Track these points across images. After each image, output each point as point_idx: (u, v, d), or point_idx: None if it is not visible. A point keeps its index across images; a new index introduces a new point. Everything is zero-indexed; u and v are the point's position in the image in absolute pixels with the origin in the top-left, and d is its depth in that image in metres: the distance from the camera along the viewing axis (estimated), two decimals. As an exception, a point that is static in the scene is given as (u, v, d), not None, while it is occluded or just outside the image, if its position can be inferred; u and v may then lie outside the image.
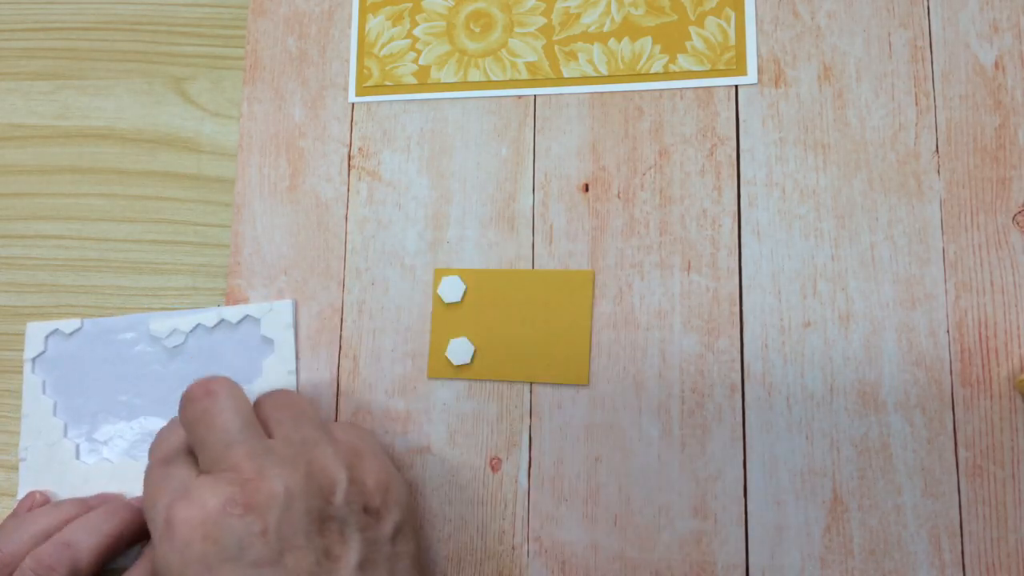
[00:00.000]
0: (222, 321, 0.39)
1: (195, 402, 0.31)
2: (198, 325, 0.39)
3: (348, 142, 0.41)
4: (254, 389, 0.38)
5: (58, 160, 0.43)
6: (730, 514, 0.35)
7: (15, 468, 0.40)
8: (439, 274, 0.38)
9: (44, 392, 0.40)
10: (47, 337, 0.40)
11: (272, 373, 0.38)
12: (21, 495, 0.38)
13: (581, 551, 0.36)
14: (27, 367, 0.40)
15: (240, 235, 0.40)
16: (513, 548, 0.36)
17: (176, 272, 0.41)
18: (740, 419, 0.36)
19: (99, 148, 0.43)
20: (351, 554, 0.29)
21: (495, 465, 0.37)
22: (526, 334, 0.37)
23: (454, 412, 0.38)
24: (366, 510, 0.30)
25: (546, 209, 0.39)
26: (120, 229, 0.42)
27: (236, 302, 0.40)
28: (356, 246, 0.40)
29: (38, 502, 0.37)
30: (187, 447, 0.32)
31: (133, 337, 0.39)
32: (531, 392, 0.37)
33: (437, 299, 0.38)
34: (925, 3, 0.38)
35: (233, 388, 0.32)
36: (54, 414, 0.39)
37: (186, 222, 0.41)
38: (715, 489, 0.35)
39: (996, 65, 0.37)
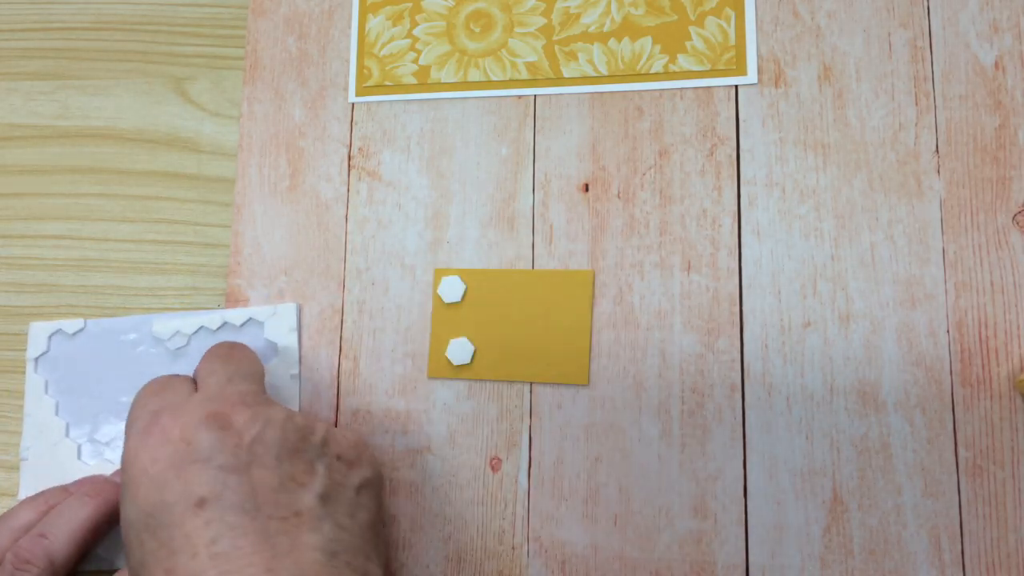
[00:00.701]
0: (225, 324, 0.39)
1: (222, 345, 0.35)
2: (201, 327, 0.39)
3: (348, 142, 0.41)
4: None
5: (58, 160, 0.43)
6: (730, 514, 0.35)
7: (15, 468, 0.40)
8: (439, 274, 0.38)
9: (46, 392, 0.40)
10: (50, 337, 0.40)
11: (275, 376, 0.38)
12: (22, 495, 0.38)
13: (581, 551, 0.36)
14: (30, 366, 0.40)
15: (240, 235, 0.40)
16: (513, 548, 0.36)
17: (176, 272, 0.41)
18: (740, 419, 0.36)
19: (99, 148, 0.43)
20: (315, 484, 0.30)
21: (495, 465, 0.37)
22: (526, 334, 0.37)
23: (454, 412, 0.38)
24: (339, 457, 0.32)
25: (546, 209, 0.39)
26: (120, 229, 0.42)
27: (236, 302, 0.40)
28: (356, 246, 0.40)
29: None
30: (191, 382, 0.34)
31: (136, 338, 0.39)
32: (531, 392, 0.37)
33: (437, 299, 0.38)
34: (925, 3, 0.38)
35: (256, 355, 0.35)
36: (56, 414, 0.39)
37: (186, 222, 0.41)
38: (715, 489, 0.35)
39: (996, 65, 0.37)
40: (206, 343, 0.39)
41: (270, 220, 0.40)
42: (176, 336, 0.39)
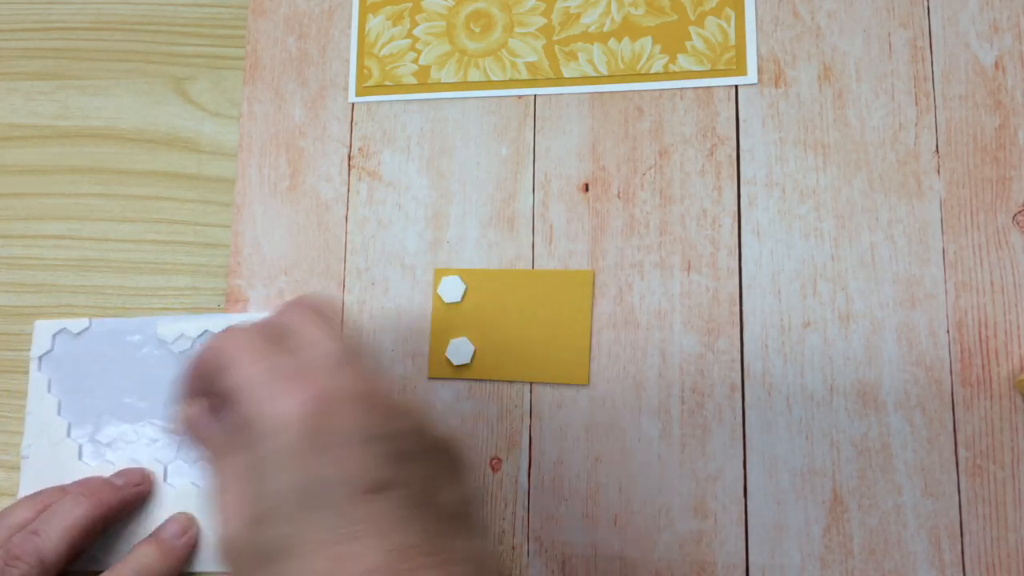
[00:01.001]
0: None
1: (299, 308, 0.30)
2: (206, 331, 0.39)
3: (348, 142, 0.41)
4: None
5: (58, 160, 0.43)
6: (730, 514, 0.35)
7: (16, 468, 0.40)
8: (439, 274, 0.38)
9: (49, 391, 0.39)
10: (54, 336, 0.40)
11: None
12: (22, 493, 0.38)
13: (581, 551, 0.36)
14: (33, 365, 0.40)
15: (240, 235, 0.40)
16: (513, 548, 0.36)
17: (176, 272, 0.41)
18: (740, 419, 0.36)
19: (99, 148, 0.43)
20: (458, 486, 0.27)
21: (495, 465, 0.37)
22: (526, 334, 0.37)
23: (454, 412, 0.38)
24: (454, 461, 0.28)
25: (546, 209, 0.39)
26: (120, 229, 0.42)
27: (236, 302, 0.40)
28: (356, 246, 0.40)
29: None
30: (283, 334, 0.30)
31: (140, 339, 0.39)
32: (531, 392, 0.37)
33: (437, 299, 0.38)
34: (925, 3, 0.38)
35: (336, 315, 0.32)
36: (58, 413, 0.39)
37: (186, 222, 0.41)
38: (715, 489, 0.35)
39: (996, 65, 0.37)
40: None
41: (270, 220, 0.40)
42: (181, 339, 0.39)
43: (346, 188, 0.40)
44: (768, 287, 0.37)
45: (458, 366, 0.38)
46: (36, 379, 0.40)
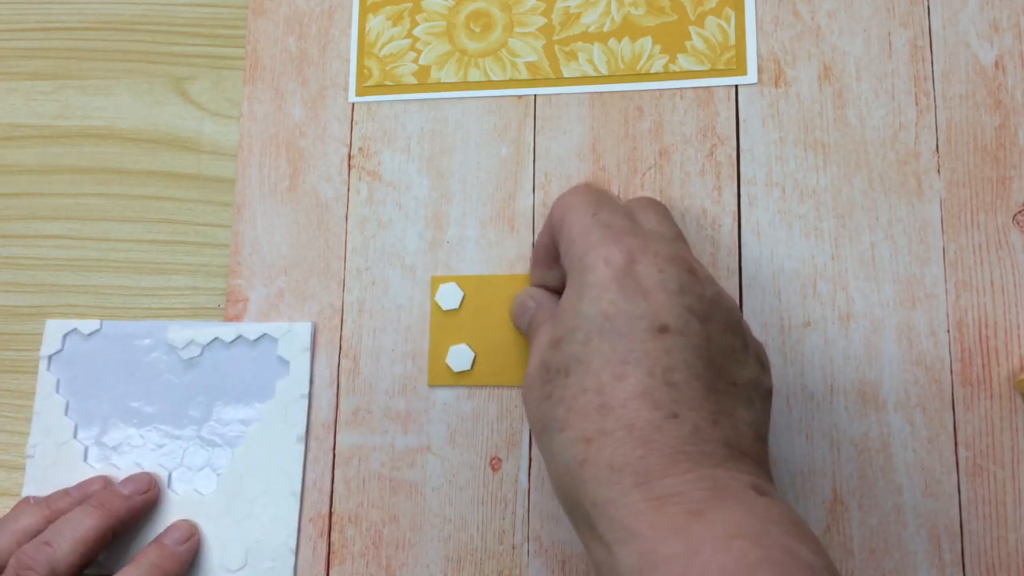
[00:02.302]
0: (240, 337, 0.39)
1: (647, 198, 0.35)
2: (215, 339, 0.39)
3: (348, 142, 0.41)
4: (265, 410, 0.38)
5: (58, 160, 0.43)
6: (730, 514, 0.35)
7: (16, 468, 0.40)
8: (436, 281, 0.38)
9: (57, 391, 0.39)
10: (65, 336, 0.40)
11: (285, 395, 0.38)
12: (26, 492, 0.38)
13: (581, 551, 0.36)
14: (42, 364, 0.40)
15: (240, 235, 0.40)
16: (513, 548, 0.36)
17: (176, 272, 0.41)
18: (740, 419, 0.36)
19: (99, 148, 0.43)
20: (747, 366, 0.29)
21: (495, 465, 0.37)
22: (524, 336, 0.37)
23: (454, 412, 0.38)
24: (757, 356, 0.31)
25: (546, 209, 0.39)
26: (120, 229, 0.42)
27: (236, 302, 0.40)
28: (356, 246, 0.40)
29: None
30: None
31: (150, 343, 0.39)
32: (531, 392, 0.37)
33: (435, 306, 0.38)
34: (925, 3, 0.38)
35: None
36: (65, 414, 0.39)
37: (186, 222, 0.41)
38: (715, 489, 0.35)
39: (996, 65, 0.37)
40: (219, 355, 0.39)
41: (270, 220, 0.40)
42: (190, 345, 0.39)
43: (346, 188, 0.40)
44: (768, 287, 0.37)
45: (458, 373, 0.37)
46: (45, 379, 0.40)
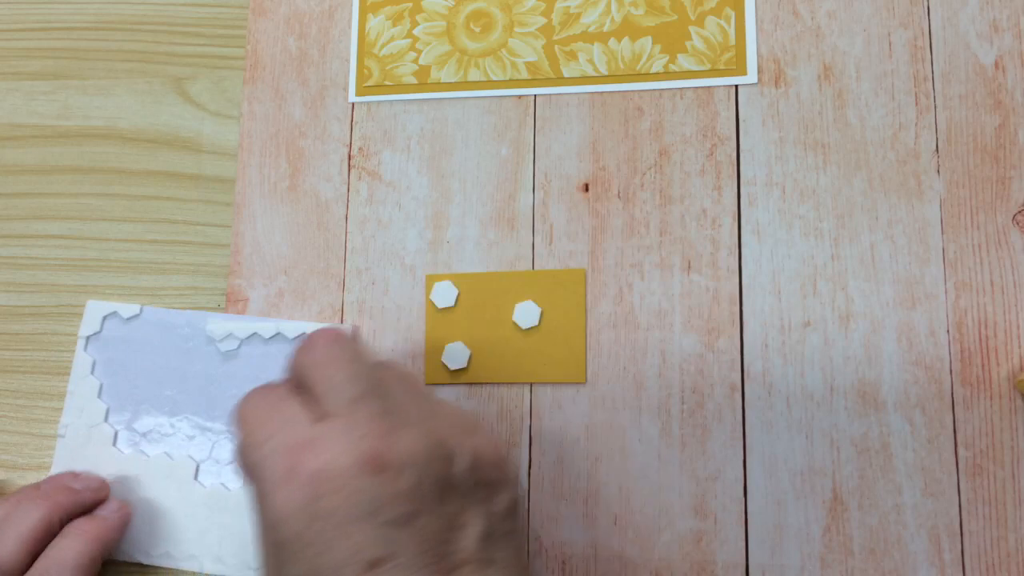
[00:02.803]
0: (278, 334, 0.39)
1: (324, 343, 0.30)
2: (254, 334, 0.39)
3: (348, 142, 0.41)
4: None
5: (58, 160, 0.43)
6: (730, 514, 0.35)
7: (16, 468, 0.40)
8: (430, 280, 0.38)
9: (92, 372, 0.39)
10: (104, 318, 0.40)
11: None
12: (55, 470, 0.38)
13: (581, 551, 0.36)
14: (80, 344, 0.40)
15: (240, 235, 0.40)
16: (513, 548, 0.36)
17: (176, 272, 0.41)
18: (740, 419, 0.36)
19: (99, 148, 0.43)
20: (476, 524, 0.27)
21: (495, 465, 0.37)
22: (521, 335, 0.37)
23: (454, 412, 0.38)
24: (485, 484, 0.28)
25: (546, 209, 0.39)
26: (120, 229, 0.42)
27: (236, 302, 0.40)
28: (356, 246, 0.40)
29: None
30: (294, 385, 0.30)
31: (188, 333, 0.39)
32: (531, 392, 0.37)
33: (430, 305, 0.38)
34: (925, 3, 0.38)
35: (361, 343, 0.31)
36: (99, 396, 0.39)
37: (186, 222, 0.41)
38: (715, 489, 0.35)
39: (996, 65, 0.37)
40: (257, 350, 0.39)
41: (270, 220, 0.40)
42: (229, 338, 0.39)
43: (346, 188, 0.40)
44: (768, 287, 0.37)
45: (454, 371, 0.38)
46: (81, 359, 0.39)
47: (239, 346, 0.39)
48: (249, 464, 0.28)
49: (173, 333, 0.39)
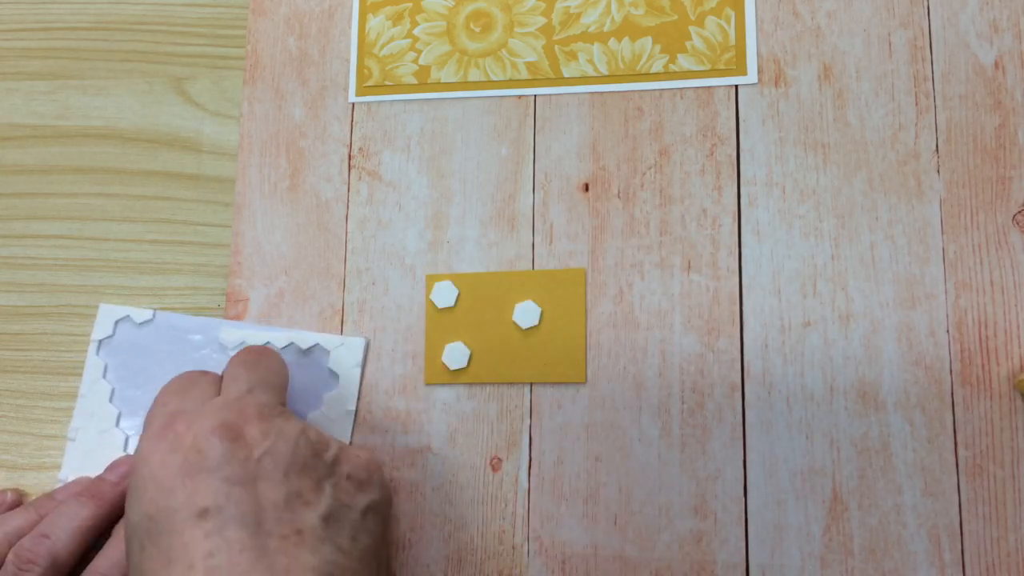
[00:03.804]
0: (291, 344, 0.38)
1: (255, 352, 0.35)
2: (267, 343, 0.39)
3: (348, 142, 0.41)
4: (309, 420, 0.38)
5: (58, 160, 0.43)
6: (730, 514, 0.35)
7: (16, 468, 0.40)
8: (431, 280, 0.38)
9: (104, 376, 0.39)
10: (117, 322, 0.40)
11: (331, 408, 0.38)
12: (63, 475, 0.38)
13: (581, 551, 0.36)
14: (92, 347, 0.40)
15: (240, 235, 0.40)
16: (513, 548, 0.36)
17: (176, 272, 0.41)
18: (740, 419, 0.36)
19: (99, 148, 0.43)
20: (321, 503, 0.30)
21: (495, 465, 0.37)
22: (521, 335, 0.37)
23: (454, 412, 0.38)
24: (348, 477, 0.31)
25: (546, 209, 0.39)
26: (120, 229, 0.42)
27: (236, 302, 0.40)
28: (356, 246, 0.40)
29: (9, 501, 0.38)
30: (217, 382, 0.34)
31: (201, 340, 0.39)
32: (531, 392, 0.37)
33: (430, 305, 0.38)
34: (925, 3, 0.38)
35: (284, 365, 0.35)
36: (110, 401, 0.39)
37: (186, 222, 0.41)
38: (715, 489, 0.35)
39: (996, 65, 0.37)
40: None
41: (270, 220, 0.40)
42: (241, 347, 0.39)
43: (346, 188, 0.40)
44: (768, 287, 0.37)
45: (455, 371, 0.38)
46: (93, 363, 0.39)
47: None
48: (147, 418, 0.33)
49: (185, 339, 0.39)
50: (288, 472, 0.29)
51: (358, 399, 0.38)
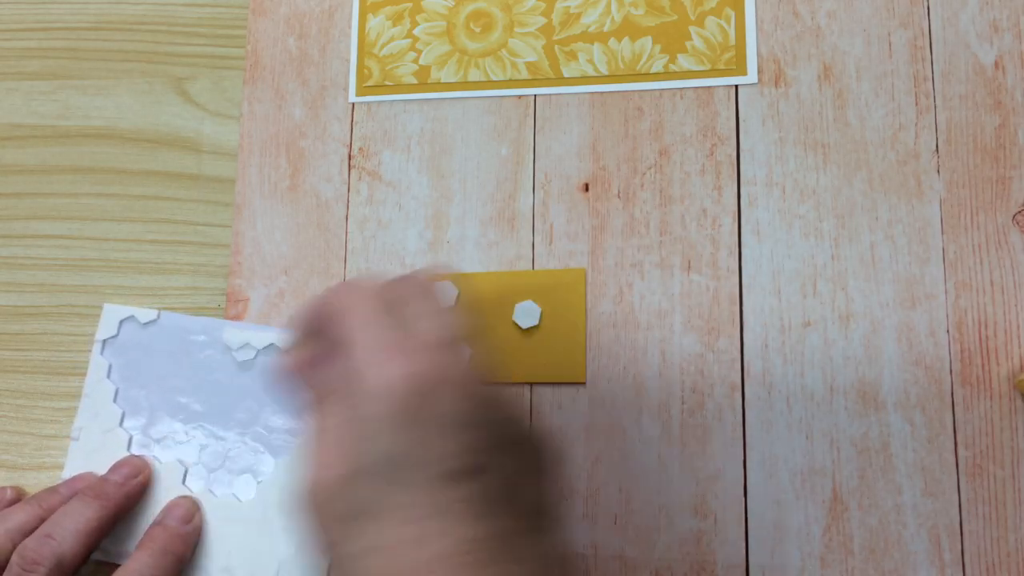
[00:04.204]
0: None
1: (431, 285, 0.31)
2: (271, 344, 0.39)
3: (348, 142, 0.41)
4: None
5: (58, 160, 0.43)
6: (730, 514, 0.35)
7: (16, 468, 0.40)
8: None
9: (108, 376, 0.39)
10: (121, 322, 0.40)
11: None
12: (67, 473, 0.38)
13: (581, 551, 0.36)
14: (96, 347, 0.40)
15: (240, 235, 0.40)
16: (513, 548, 0.36)
17: (176, 272, 0.41)
18: (740, 419, 0.36)
19: (99, 148, 0.43)
20: (533, 493, 0.27)
21: (495, 465, 0.37)
22: (521, 335, 0.37)
23: (454, 412, 0.37)
24: (534, 449, 0.29)
25: (546, 209, 0.39)
26: (120, 229, 0.42)
27: (236, 302, 0.40)
28: (356, 246, 0.40)
29: (8, 498, 0.38)
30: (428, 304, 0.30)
31: (205, 340, 0.39)
32: (531, 392, 0.37)
33: (434, 302, 0.38)
34: (925, 3, 0.38)
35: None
36: (114, 400, 0.39)
37: (186, 222, 0.41)
38: (715, 489, 0.35)
39: (996, 65, 0.37)
40: (273, 361, 0.38)
41: (270, 220, 0.40)
42: (245, 348, 0.39)
43: (346, 188, 0.40)
44: (768, 287, 0.37)
45: (458, 366, 0.37)
46: (97, 362, 0.39)
47: (255, 356, 0.39)
48: (350, 334, 0.28)
49: (190, 340, 0.39)
50: (515, 447, 0.27)
51: None
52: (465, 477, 0.25)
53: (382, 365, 0.26)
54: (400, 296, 0.29)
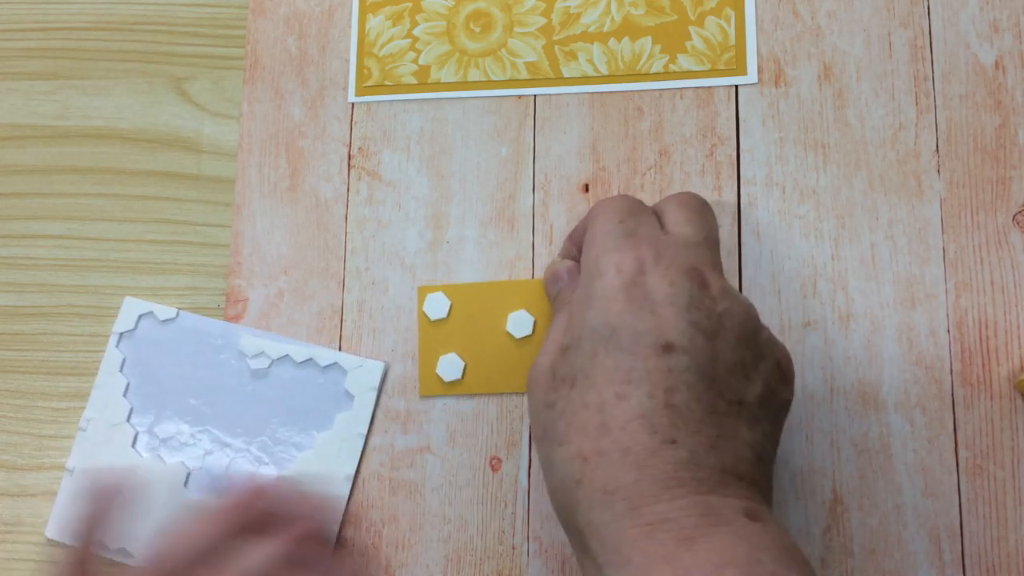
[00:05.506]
0: (310, 360, 0.38)
1: (696, 197, 0.33)
2: (286, 356, 0.38)
3: (348, 142, 0.41)
4: (320, 440, 0.37)
5: (58, 160, 0.43)
6: (730, 514, 0.35)
7: (17, 468, 0.40)
8: (423, 292, 0.38)
9: (121, 370, 0.39)
10: (140, 317, 0.40)
11: (343, 429, 0.37)
12: (70, 465, 0.38)
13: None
14: (112, 340, 0.39)
15: (240, 235, 0.40)
16: (513, 548, 0.36)
17: (176, 272, 0.41)
18: (740, 419, 0.36)
19: (99, 148, 0.43)
20: (758, 381, 0.29)
21: (495, 465, 0.37)
22: (515, 345, 0.37)
23: (454, 412, 0.38)
24: (778, 365, 0.30)
25: (546, 209, 0.39)
26: (120, 229, 0.42)
27: (236, 302, 0.40)
28: (356, 246, 0.40)
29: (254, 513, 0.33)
30: (655, 216, 0.33)
31: (221, 344, 0.39)
32: (525, 402, 0.37)
33: (423, 317, 0.38)
34: (925, 3, 0.38)
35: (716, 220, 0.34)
36: (124, 394, 0.39)
37: (186, 222, 0.41)
38: (715, 489, 0.35)
39: (996, 65, 0.37)
40: (287, 373, 0.38)
41: (270, 220, 0.40)
42: (260, 356, 0.38)
43: (346, 188, 0.40)
44: (768, 287, 0.37)
45: (449, 382, 0.37)
46: (112, 355, 0.39)
47: (269, 366, 0.38)
48: (592, 232, 0.31)
49: (206, 342, 0.39)
50: (739, 339, 0.28)
51: (371, 423, 0.38)
52: (676, 350, 0.27)
53: (614, 250, 0.30)
54: (637, 203, 0.32)
